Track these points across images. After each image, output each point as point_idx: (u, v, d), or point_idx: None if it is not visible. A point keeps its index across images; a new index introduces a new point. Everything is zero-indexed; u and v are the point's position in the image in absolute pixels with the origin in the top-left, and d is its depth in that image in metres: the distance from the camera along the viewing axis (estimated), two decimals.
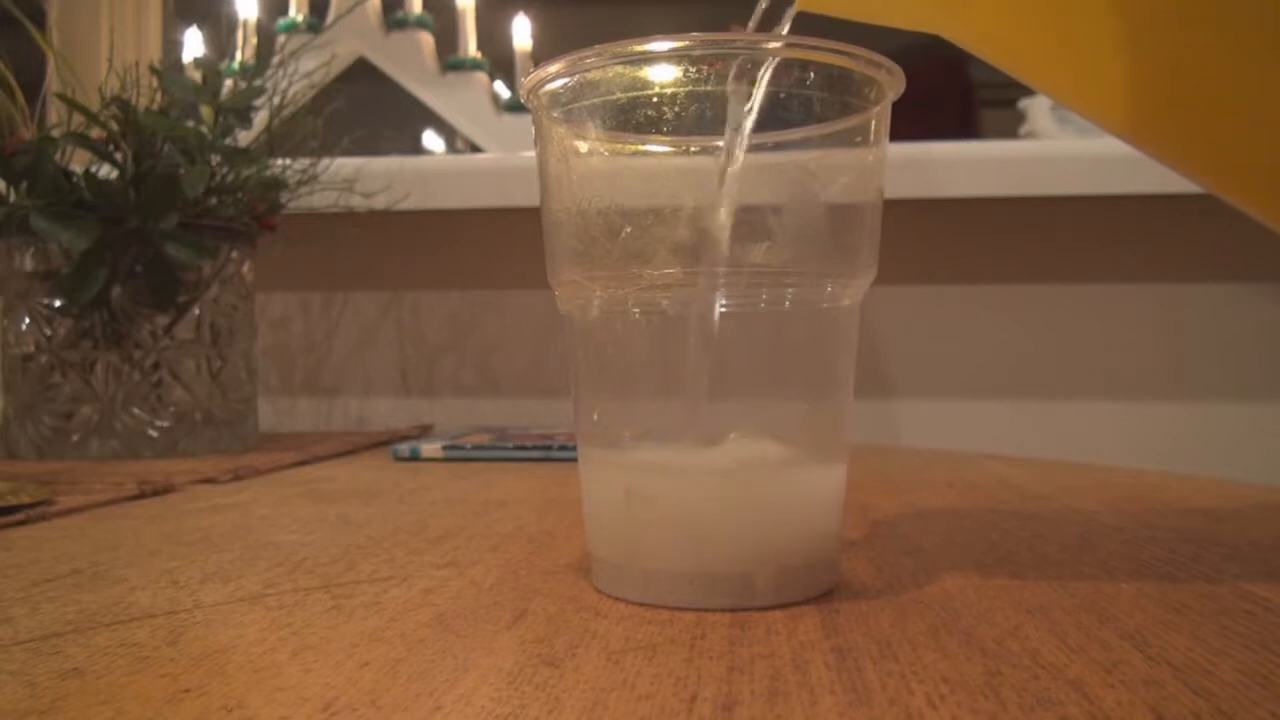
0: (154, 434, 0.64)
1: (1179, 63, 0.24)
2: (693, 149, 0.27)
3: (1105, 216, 0.86)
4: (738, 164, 0.26)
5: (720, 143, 0.26)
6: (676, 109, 0.26)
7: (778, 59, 0.25)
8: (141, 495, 0.46)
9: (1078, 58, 0.25)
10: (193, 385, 0.66)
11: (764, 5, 0.28)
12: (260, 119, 0.73)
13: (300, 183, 0.75)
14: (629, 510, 0.27)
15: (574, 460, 0.41)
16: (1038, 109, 0.93)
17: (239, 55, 0.90)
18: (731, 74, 0.25)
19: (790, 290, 0.27)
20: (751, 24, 0.28)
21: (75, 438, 0.63)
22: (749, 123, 0.25)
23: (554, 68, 0.26)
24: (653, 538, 0.26)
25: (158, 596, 0.27)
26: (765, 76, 0.25)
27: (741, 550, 0.26)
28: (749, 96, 0.25)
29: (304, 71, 0.77)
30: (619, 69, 0.26)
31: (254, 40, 0.93)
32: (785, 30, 0.28)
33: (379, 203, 0.83)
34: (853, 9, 0.27)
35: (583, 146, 0.27)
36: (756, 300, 0.27)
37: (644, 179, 0.27)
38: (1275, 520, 0.39)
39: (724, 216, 0.25)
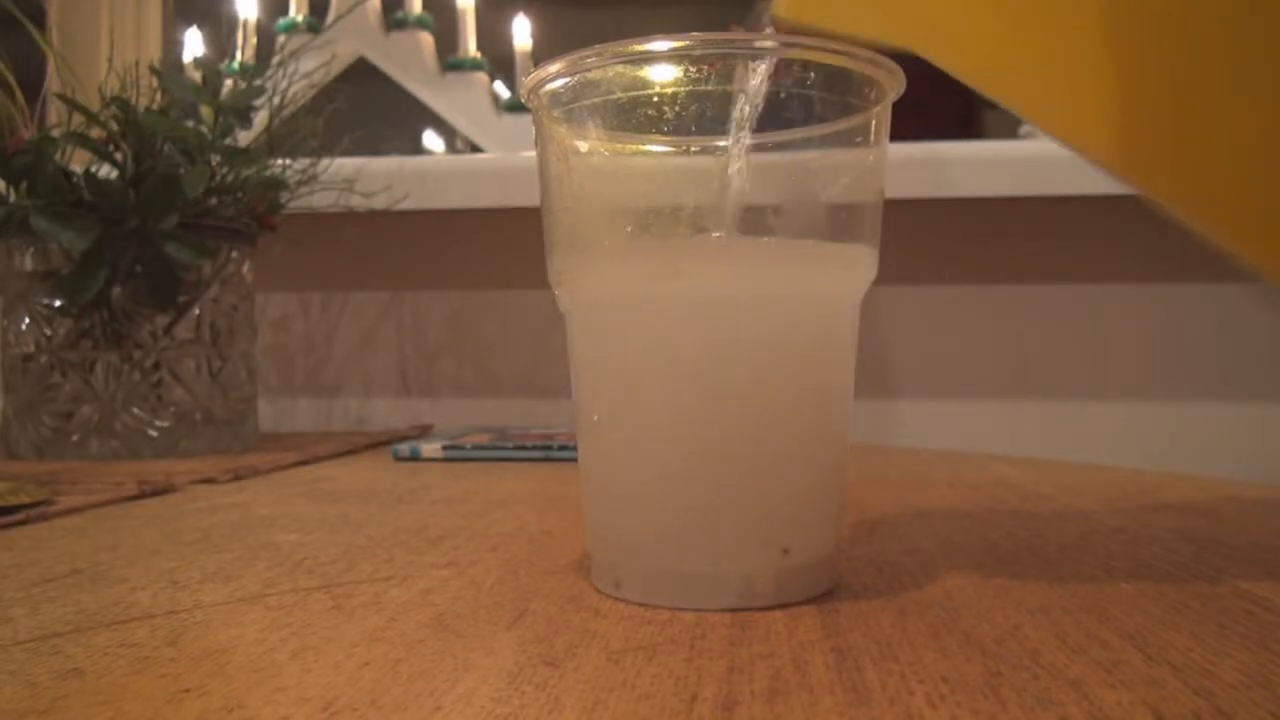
0: (154, 434, 0.64)
1: (1167, 94, 0.24)
2: (693, 149, 0.27)
3: (1105, 216, 0.86)
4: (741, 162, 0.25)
5: (720, 142, 0.26)
6: (677, 109, 0.26)
7: (774, 58, 0.25)
8: (141, 495, 0.46)
9: (1064, 86, 0.25)
10: (193, 385, 0.66)
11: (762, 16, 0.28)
12: (260, 119, 0.73)
13: (300, 183, 0.75)
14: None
15: (574, 460, 0.41)
16: None
17: (239, 55, 0.90)
18: (739, 75, 0.25)
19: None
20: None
21: (75, 438, 0.63)
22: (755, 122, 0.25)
23: (554, 67, 0.26)
24: (653, 535, 0.26)
25: (158, 596, 0.27)
26: (764, 74, 0.25)
27: (741, 546, 0.26)
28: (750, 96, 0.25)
29: (304, 71, 0.77)
30: (619, 69, 0.26)
31: (254, 40, 0.93)
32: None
33: (379, 203, 0.83)
34: (829, 20, 0.27)
35: (583, 146, 0.27)
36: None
37: (644, 178, 0.27)
38: (1275, 520, 0.39)
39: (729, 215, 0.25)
